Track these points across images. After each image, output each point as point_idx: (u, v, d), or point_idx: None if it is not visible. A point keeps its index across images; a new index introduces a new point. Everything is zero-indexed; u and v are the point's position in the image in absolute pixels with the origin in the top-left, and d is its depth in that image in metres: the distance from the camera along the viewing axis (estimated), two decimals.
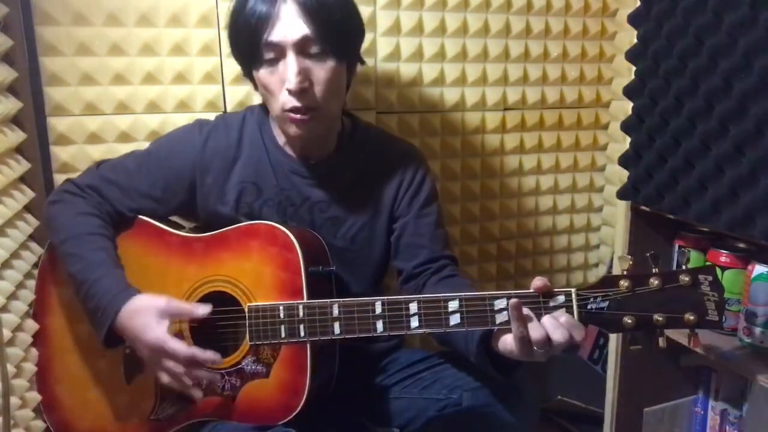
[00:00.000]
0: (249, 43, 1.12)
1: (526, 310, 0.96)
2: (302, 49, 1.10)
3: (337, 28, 1.12)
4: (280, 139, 1.26)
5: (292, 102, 1.11)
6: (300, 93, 1.10)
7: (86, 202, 1.21)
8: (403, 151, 1.34)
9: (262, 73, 1.14)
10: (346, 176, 1.28)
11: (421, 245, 1.28)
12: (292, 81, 1.09)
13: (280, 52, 1.11)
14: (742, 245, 1.41)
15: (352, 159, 1.29)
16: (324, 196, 1.26)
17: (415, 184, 1.30)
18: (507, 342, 1.01)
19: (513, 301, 0.95)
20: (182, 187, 1.24)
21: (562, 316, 0.97)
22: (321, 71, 1.12)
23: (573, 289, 0.99)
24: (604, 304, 0.99)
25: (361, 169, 1.29)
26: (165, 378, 1.08)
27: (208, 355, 1.06)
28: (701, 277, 0.97)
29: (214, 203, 1.25)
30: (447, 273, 1.27)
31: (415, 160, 1.33)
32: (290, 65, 1.10)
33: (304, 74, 1.10)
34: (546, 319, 0.96)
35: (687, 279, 0.96)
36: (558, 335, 0.95)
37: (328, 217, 1.27)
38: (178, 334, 1.14)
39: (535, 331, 0.95)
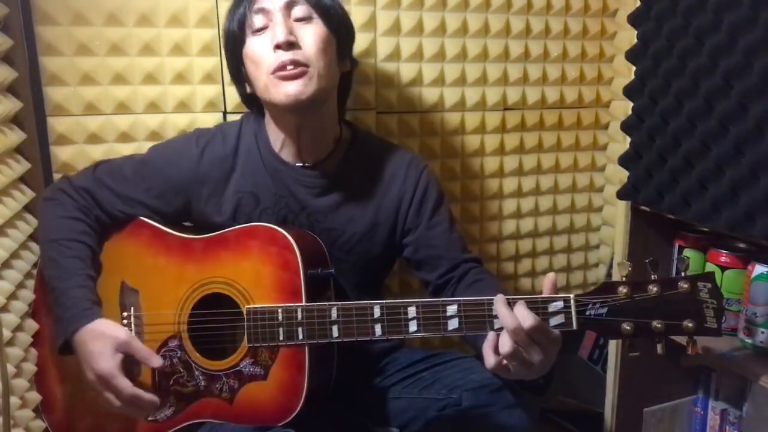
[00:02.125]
0: (240, 18, 1.17)
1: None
2: (289, 12, 1.15)
3: None
4: (276, 145, 1.25)
5: (281, 57, 1.12)
6: (288, 45, 1.12)
7: (76, 204, 1.21)
8: (405, 160, 1.32)
9: (251, 44, 1.16)
10: (346, 186, 1.26)
11: (438, 255, 1.27)
12: (279, 34, 1.12)
13: (268, 17, 1.15)
14: (742, 245, 1.41)
15: (352, 168, 1.27)
16: (322, 206, 1.25)
17: (419, 194, 1.29)
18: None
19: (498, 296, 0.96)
20: (178, 198, 1.24)
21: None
22: (308, 31, 1.15)
23: (571, 295, 0.99)
24: (603, 311, 0.98)
25: (361, 178, 1.28)
26: (102, 403, 1.12)
27: (149, 397, 1.11)
28: (700, 284, 0.96)
29: (211, 213, 1.24)
30: (472, 278, 1.25)
31: (417, 168, 1.31)
32: (278, 23, 1.13)
33: (291, 30, 1.13)
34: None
35: (686, 286, 0.96)
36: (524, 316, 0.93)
37: (325, 227, 1.25)
38: (177, 336, 1.15)
39: (508, 319, 0.94)
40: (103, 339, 1.10)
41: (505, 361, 0.96)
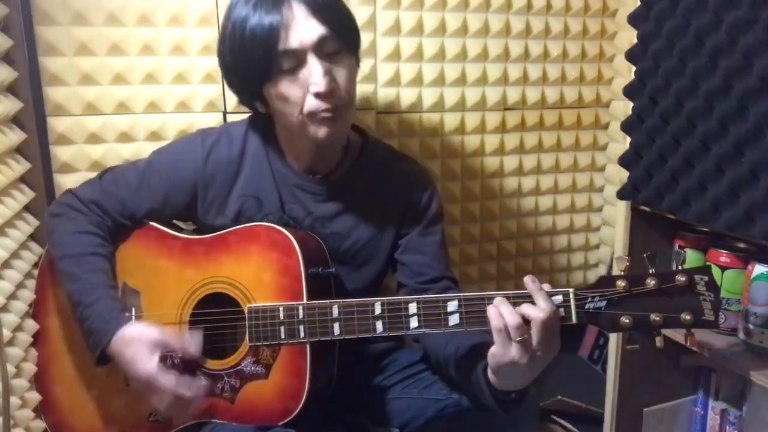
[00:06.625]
0: (262, 56, 1.07)
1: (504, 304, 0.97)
2: (321, 49, 1.08)
3: (345, 24, 1.13)
4: (288, 153, 1.24)
5: (322, 105, 1.08)
6: (329, 94, 1.08)
7: (87, 219, 1.20)
8: (412, 171, 1.32)
9: (281, 85, 1.09)
10: (352, 193, 1.26)
11: (424, 263, 1.27)
12: (321, 83, 1.06)
13: (299, 58, 1.08)
14: (742, 245, 1.41)
15: (360, 176, 1.27)
16: (327, 211, 1.25)
17: (422, 206, 1.28)
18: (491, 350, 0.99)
19: (497, 299, 0.98)
20: (183, 200, 1.23)
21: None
22: (341, 69, 1.11)
23: (571, 289, 1.00)
24: (602, 304, 0.99)
25: (368, 186, 1.27)
26: (153, 405, 1.09)
27: (194, 391, 1.07)
28: (697, 277, 0.98)
29: (214, 216, 1.24)
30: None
31: (423, 181, 1.31)
32: (315, 69, 1.07)
33: (330, 75, 1.08)
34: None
35: (683, 279, 0.97)
36: (527, 309, 0.95)
37: (330, 232, 1.25)
38: None
39: (510, 317, 0.95)
40: (136, 342, 1.08)
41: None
